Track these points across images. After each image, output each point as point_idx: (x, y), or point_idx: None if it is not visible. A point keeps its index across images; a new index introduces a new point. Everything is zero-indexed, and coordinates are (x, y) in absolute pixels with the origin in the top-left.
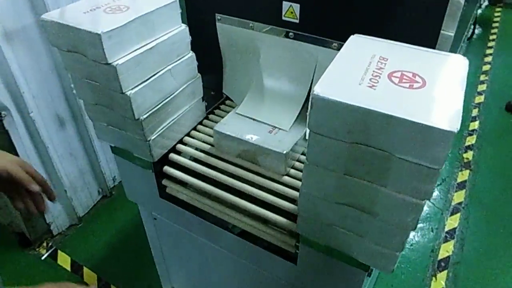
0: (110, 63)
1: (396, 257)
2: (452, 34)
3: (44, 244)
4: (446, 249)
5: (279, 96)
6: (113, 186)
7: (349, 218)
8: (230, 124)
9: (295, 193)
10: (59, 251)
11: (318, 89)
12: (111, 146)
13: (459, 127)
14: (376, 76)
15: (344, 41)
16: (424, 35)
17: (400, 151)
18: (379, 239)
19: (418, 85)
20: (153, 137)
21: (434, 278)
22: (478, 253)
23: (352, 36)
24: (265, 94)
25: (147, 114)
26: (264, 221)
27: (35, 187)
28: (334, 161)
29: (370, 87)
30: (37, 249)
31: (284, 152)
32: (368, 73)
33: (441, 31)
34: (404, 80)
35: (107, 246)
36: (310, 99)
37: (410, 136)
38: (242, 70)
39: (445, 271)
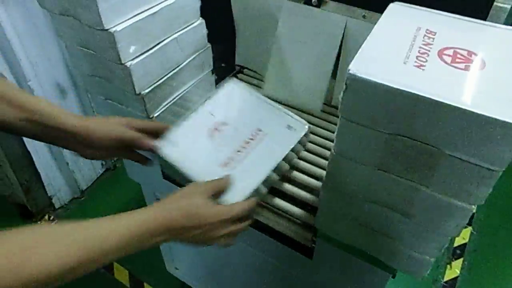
0: (107, 29)
1: (430, 263)
2: (508, 6)
3: (46, 217)
4: (463, 236)
5: (300, 73)
6: (117, 159)
7: (379, 218)
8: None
9: (311, 181)
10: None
11: (354, 68)
12: None
13: None
14: (423, 53)
15: (376, 11)
16: (475, 4)
17: (452, 147)
18: (413, 243)
19: (476, 66)
20: (156, 114)
21: (449, 266)
22: (495, 242)
23: (391, 4)
24: (285, 70)
25: (150, 88)
26: (276, 208)
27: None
28: (367, 154)
29: (417, 67)
30: (39, 222)
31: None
32: (413, 49)
33: (495, 3)
34: (458, 60)
35: None
36: (344, 80)
37: (468, 130)
38: (257, 40)
39: (461, 259)
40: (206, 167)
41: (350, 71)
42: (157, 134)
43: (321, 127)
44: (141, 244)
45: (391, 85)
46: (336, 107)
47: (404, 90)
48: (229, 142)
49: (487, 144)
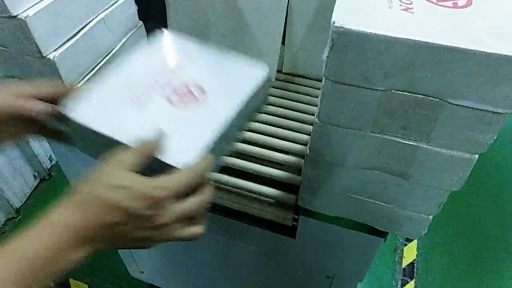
0: (15, 16)
1: (429, 220)
2: None
3: None
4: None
5: (247, 44)
6: (51, 167)
7: (372, 184)
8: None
9: (278, 156)
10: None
11: (340, 20)
12: None
13: None
14: None
15: None
16: None
17: (457, 95)
18: (411, 204)
19: (463, 2)
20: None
21: None
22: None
23: None
24: (229, 41)
25: (82, 81)
26: (245, 191)
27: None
28: (358, 117)
29: (405, 10)
30: None
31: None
32: None
33: None
34: None
35: None
36: (330, 36)
37: (476, 73)
38: (191, 13)
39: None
40: (135, 126)
41: (336, 24)
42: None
43: (277, 96)
44: (46, 272)
45: (388, 34)
46: (289, 74)
47: (403, 38)
48: (166, 95)
49: (495, 86)
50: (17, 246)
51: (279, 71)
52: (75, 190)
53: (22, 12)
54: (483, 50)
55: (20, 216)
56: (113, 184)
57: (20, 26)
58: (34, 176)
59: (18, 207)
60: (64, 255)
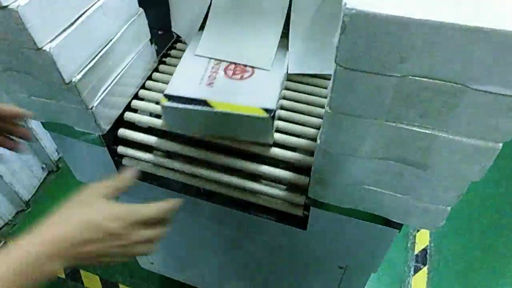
0: (6, 6)
1: (447, 212)
2: None
3: None
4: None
5: (246, 25)
6: (59, 158)
7: (386, 175)
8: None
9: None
10: (10, 244)
11: (352, 1)
12: (42, 122)
13: None
14: None
15: None
16: None
17: (480, 80)
18: (426, 195)
19: None
20: (95, 103)
21: None
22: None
23: None
24: (227, 25)
25: (81, 73)
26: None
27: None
28: (373, 105)
29: None
30: None
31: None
32: None
33: None
34: None
35: None
36: (341, 19)
37: (500, 56)
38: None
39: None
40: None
41: (348, 6)
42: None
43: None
44: (22, 282)
45: (405, 15)
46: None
47: (421, 20)
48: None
49: None
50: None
51: None
52: (59, 209)
53: (14, 2)
54: (508, 30)
55: (29, 209)
56: (87, 208)
57: (12, 17)
58: (42, 168)
59: (27, 199)
60: (41, 266)
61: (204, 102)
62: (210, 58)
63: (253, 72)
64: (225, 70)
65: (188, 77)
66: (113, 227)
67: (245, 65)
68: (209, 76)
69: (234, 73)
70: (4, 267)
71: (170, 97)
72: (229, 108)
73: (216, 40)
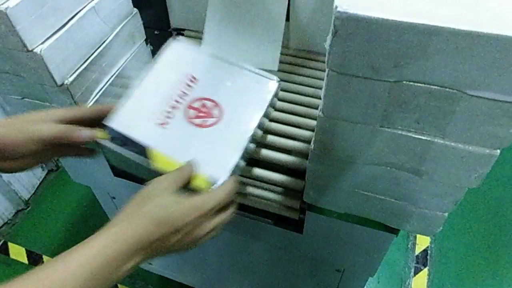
0: None
1: (444, 218)
2: None
3: None
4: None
5: (247, 24)
6: (58, 158)
7: (382, 181)
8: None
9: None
10: (10, 244)
11: (343, 3)
12: None
13: None
14: None
15: None
16: None
17: (478, 85)
18: (425, 201)
19: None
20: (89, 105)
21: None
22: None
23: None
24: (227, 25)
25: (74, 75)
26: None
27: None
28: (366, 110)
29: None
30: None
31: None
32: None
33: None
34: None
35: (65, 227)
36: (332, 23)
37: (497, 61)
38: None
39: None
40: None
41: (339, 9)
42: (94, 120)
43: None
44: (107, 279)
45: (398, 18)
46: (293, 52)
47: (416, 23)
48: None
49: None
50: (86, 250)
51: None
52: (126, 208)
53: (3, 4)
54: (507, 34)
55: (29, 208)
56: (161, 203)
57: (1, 19)
58: (42, 167)
59: (27, 198)
60: (119, 268)
61: (142, 150)
62: (182, 82)
63: (219, 119)
64: (189, 107)
65: (142, 106)
66: (187, 221)
67: (218, 104)
68: (168, 112)
69: (197, 115)
70: (82, 268)
71: (108, 130)
72: (167, 167)
73: (217, 42)
